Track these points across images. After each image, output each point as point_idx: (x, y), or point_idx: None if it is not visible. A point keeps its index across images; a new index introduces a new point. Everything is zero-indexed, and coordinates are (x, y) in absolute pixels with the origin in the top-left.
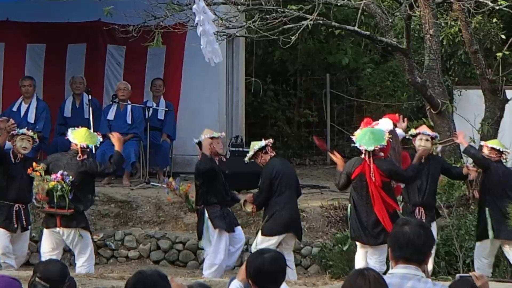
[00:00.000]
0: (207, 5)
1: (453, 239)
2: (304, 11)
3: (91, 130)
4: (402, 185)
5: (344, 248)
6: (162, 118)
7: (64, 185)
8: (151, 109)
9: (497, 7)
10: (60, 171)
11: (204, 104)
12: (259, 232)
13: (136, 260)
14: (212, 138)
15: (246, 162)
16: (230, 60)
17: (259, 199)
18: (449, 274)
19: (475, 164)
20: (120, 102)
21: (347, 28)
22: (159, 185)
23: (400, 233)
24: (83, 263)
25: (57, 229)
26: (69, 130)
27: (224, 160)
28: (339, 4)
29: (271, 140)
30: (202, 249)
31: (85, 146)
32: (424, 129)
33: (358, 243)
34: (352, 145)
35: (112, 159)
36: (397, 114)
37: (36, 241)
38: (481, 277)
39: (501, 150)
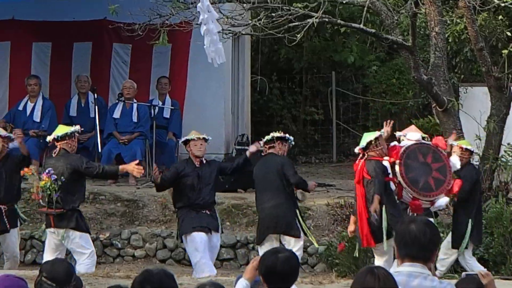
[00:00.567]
0: (212, 3)
1: None
2: (310, 9)
3: (97, 129)
4: None
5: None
6: (168, 116)
7: (50, 183)
8: (157, 108)
9: (502, 4)
10: (48, 169)
11: (210, 102)
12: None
13: (143, 259)
14: (190, 140)
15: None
16: (236, 58)
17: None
18: (455, 272)
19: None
20: (126, 101)
21: (352, 26)
22: None
23: (406, 231)
24: (82, 261)
25: (52, 229)
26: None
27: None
28: (344, 2)
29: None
30: None
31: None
32: (411, 130)
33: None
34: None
35: (107, 167)
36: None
37: (42, 241)
38: (487, 275)
39: (472, 150)
